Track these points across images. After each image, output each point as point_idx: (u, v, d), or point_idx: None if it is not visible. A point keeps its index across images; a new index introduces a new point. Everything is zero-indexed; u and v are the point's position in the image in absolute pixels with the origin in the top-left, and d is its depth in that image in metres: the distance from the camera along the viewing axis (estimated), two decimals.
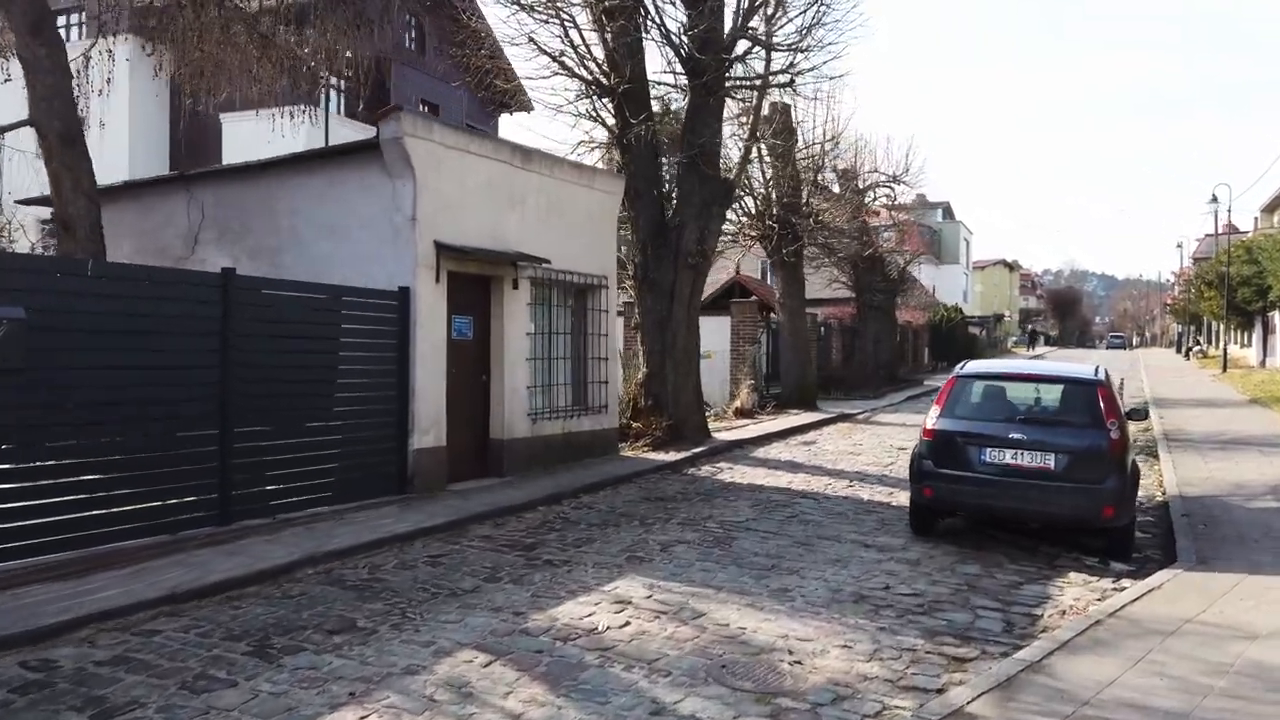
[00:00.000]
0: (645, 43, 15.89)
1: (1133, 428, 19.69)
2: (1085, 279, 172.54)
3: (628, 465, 13.84)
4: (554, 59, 15.22)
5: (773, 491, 12.50)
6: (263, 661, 5.84)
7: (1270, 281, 37.39)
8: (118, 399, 8.13)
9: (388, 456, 10.67)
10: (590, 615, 6.95)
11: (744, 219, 23.84)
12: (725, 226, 25.38)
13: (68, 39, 30.60)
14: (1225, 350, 44.50)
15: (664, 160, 17.75)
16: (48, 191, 10.68)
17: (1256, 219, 66.17)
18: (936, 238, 76.70)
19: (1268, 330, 43.69)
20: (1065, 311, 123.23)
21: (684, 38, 15.36)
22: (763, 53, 16.55)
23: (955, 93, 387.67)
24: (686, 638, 6.50)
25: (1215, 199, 45.41)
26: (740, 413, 20.97)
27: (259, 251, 11.79)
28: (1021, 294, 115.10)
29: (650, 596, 7.49)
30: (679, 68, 15.95)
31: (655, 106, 17.19)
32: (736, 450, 16.33)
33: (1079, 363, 11.99)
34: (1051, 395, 10.43)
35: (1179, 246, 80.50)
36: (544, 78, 17.45)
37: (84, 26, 26.68)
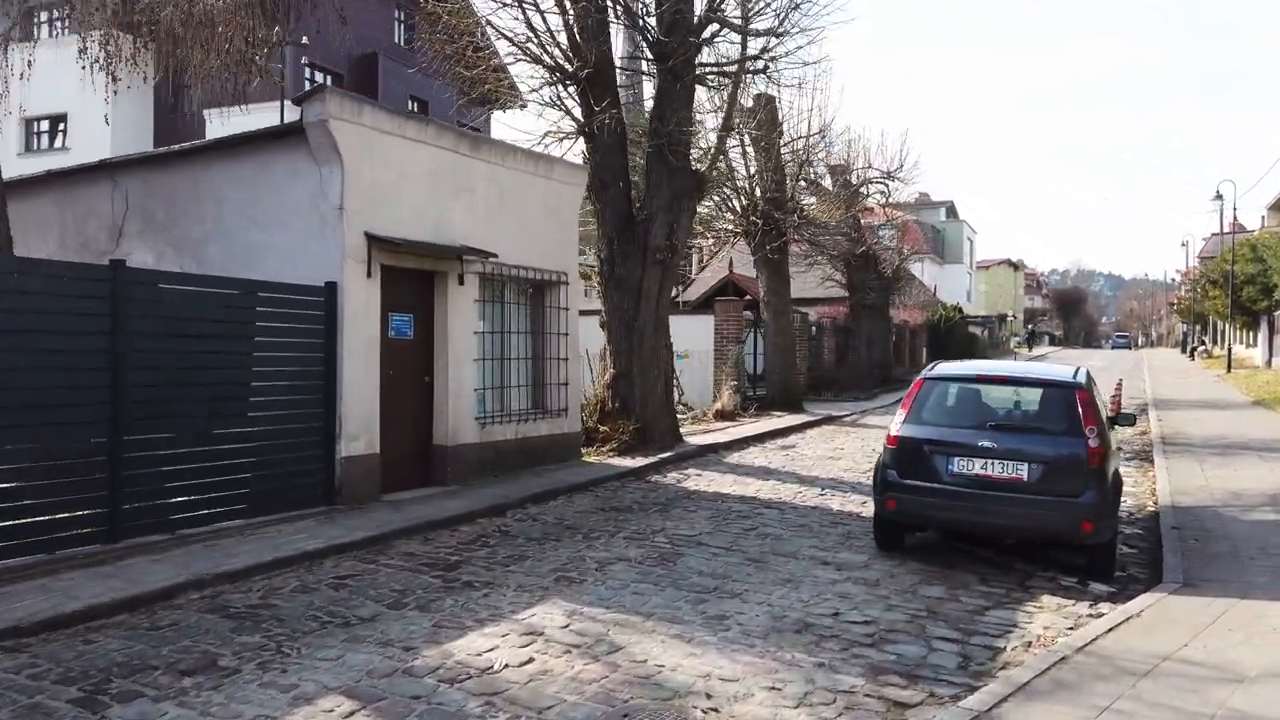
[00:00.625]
0: (612, 27, 15.13)
1: (1127, 432, 19.05)
2: (1092, 279, 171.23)
3: (587, 472, 13.04)
4: (513, 43, 14.44)
5: (736, 501, 11.69)
6: (86, 712, 5.03)
7: (1275, 280, 36.46)
8: None
9: (312, 465, 9.87)
10: (491, 650, 6.15)
11: (728, 214, 23.03)
12: (709, 222, 24.73)
13: (50, 33, 30.06)
14: (1229, 350, 43.51)
15: (636, 152, 16.93)
16: None
17: (1264, 217, 65.18)
18: (939, 237, 75.76)
19: (1273, 330, 42.67)
20: (1070, 311, 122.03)
21: (649, 20, 14.55)
22: (737, 38, 15.77)
23: (936, 79, 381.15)
24: (592, 678, 5.69)
25: (1219, 196, 44.46)
26: (721, 415, 20.15)
27: (184, 243, 11.02)
28: (1027, 294, 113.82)
29: (568, 626, 6.69)
30: (648, 53, 15.16)
31: (631, 96, 16.45)
32: (709, 455, 15.52)
33: (1065, 364, 11.15)
34: (1026, 400, 9.60)
35: (1184, 245, 79.48)
36: (509, 64, 16.61)
37: (66, 20, 26.08)
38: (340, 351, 10.06)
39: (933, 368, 9.73)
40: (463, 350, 11.83)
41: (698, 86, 16.00)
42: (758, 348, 24.07)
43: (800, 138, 23.00)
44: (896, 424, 8.94)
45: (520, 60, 14.83)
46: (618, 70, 15.22)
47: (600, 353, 16.37)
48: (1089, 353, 77.92)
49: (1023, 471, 8.20)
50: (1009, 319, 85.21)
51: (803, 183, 25.06)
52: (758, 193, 22.42)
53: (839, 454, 16.15)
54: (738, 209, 22.58)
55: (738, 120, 19.14)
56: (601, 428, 15.12)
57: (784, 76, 26.48)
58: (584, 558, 8.70)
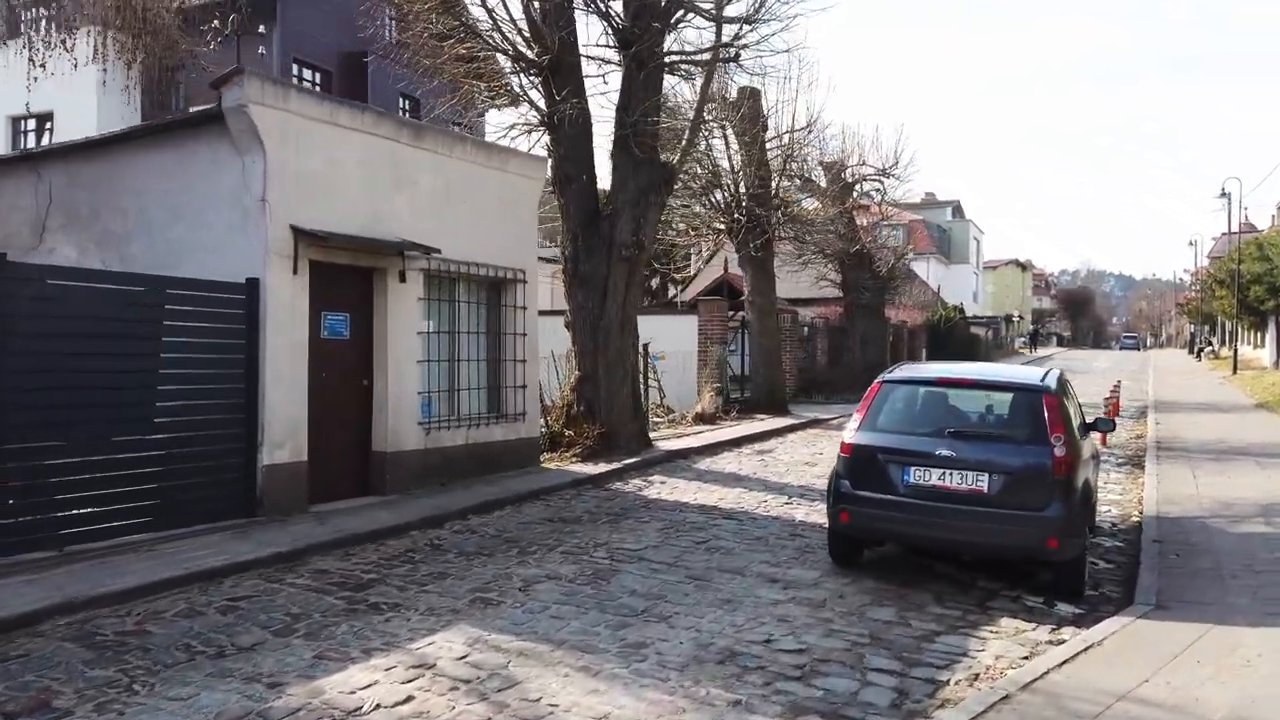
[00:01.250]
0: (577, 14, 14.46)
1: (1121, 436, 18.31)
2: (1102, 279, 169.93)
3: (542, 479, 12.37)
4: (470, 30, 13.78)
5: (694, 511, 11.01)
6: None
7: None
8: None
9: (230, 474, 9.23)
10: (369, 687, 5.49)
11: (711, 211, 22.35)
12: (692, 219, 24.07)
13: (36, 31, 29.62)
14: (1236, 351, 42.60)
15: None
16: None
17: (1274, 216, 64.17)
18: (945, 237, 74.86)
19: None
20: (1078, 312, 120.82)
21: (614, 5, 13.91)
22: (711, 26, 15.09)
23: (909, 59, 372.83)
24: None
25: (1225, 194, 43.59)
26: (700, 418, 19.47)
27: (107, 239, 10.42)
28: (1035, 294, 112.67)
29: (465, 657, 6.03)
30: (613, 40, 14.49)
31: (599, 87, 15.78)
32: (678, 460, 14.84)
33: (1036, 366, 10.45)
34: (990, 405, 8.88)
35: (1192, 245, 78.47)
36: (475, 55, 15.94)
37: (51, 20, 25.58)
38: (262, 353, 9.42)
39: (892, 370, 9.04)
40: (405, 351, 11.18)
41: (667, 75, 15.32)
42: (745, 348, 23.37)
43: (786, 132, 22.30)
44: (850, 431, 8.27)
45: (485, 50, 14.20)
46: (583, 59, 14.54)
47: (567, 354, 15.71)
48: (1096, 353, 77.05)
49: (983, 483, 7.51)
50: (1015, 319, 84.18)
51: (794, 180, 24.39)
52: (741, 188, 21.72)
53: (816, 459, 15.45)
54: (719, 204, 21.87)
55: (711, 112, 18.43)
56: (567, 432, 14.48)
57: (765, 67, 25.52)
58: (510, 575, 8.05)
